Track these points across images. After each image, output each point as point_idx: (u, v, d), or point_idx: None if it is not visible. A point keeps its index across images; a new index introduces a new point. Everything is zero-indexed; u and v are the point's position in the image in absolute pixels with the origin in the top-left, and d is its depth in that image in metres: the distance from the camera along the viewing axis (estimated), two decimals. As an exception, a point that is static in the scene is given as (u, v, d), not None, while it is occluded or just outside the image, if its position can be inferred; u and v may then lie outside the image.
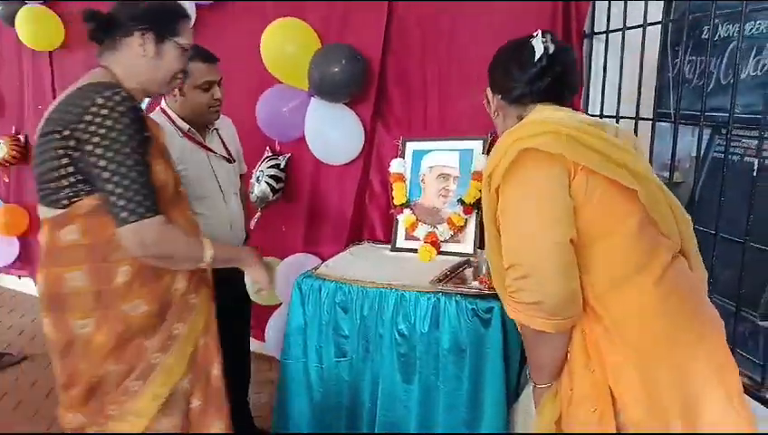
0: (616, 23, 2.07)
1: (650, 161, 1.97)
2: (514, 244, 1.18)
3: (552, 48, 1.28)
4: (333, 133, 2.37)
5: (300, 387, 2.03)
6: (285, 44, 2.30)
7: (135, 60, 1.33)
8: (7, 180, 3.97)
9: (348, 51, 2.25)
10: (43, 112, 3.71)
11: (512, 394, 1.86)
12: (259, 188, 2.52)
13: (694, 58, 2.62)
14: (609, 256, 1.18)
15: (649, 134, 1.95)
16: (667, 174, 3.24)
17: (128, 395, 1.35)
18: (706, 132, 2.03)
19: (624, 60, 2.04)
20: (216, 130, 2.02)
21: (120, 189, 1.22)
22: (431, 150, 2.35)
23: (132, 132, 1.24)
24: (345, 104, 2.38)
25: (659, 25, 1.98)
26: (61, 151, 1.23)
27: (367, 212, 2.54)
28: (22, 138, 3.85)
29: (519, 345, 1.88)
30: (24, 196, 3.96)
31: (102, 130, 1.20)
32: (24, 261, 4.07)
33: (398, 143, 2.40)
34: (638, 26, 1.97)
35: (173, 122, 1.90)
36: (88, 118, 1.21)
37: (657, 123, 1.96)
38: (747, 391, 1.49)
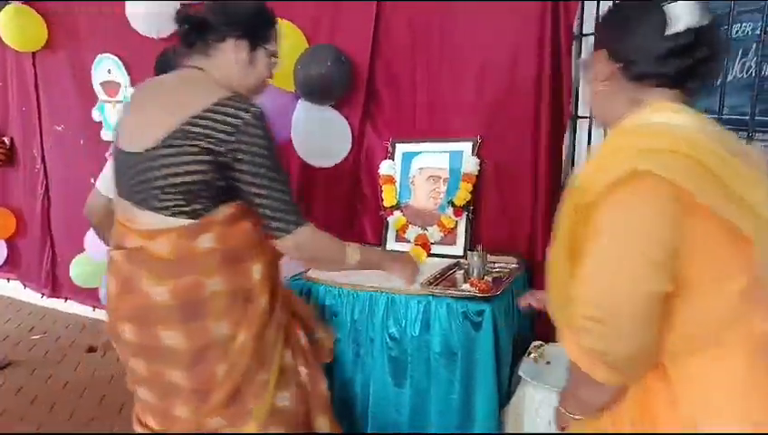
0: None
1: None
2: (599, 281, 0.93)
3: (700, 20, 0.96)
4: (320, 135, 2.35)
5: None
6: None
7: (228, 65, 1.35)
8: (-8, 183, 3.91)
9: (333, 52, 2.24)
10: (27, 115, 3.64)
11: (503, 397, 1.86)
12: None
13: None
14: (698, 314, 0.94)
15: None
16: None
17: (264, 388, 1.38)
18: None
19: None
20: None
21: (276, 204, 1.27)
22: (421, 152, 2.34)
23: (274, 147, 1.28)
24: (332, 106, 2.37)
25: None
26: (206, 166, 1.23)
27: (357, 215, 2.53)
28: (7, 140, 3.79)
29: (510, 348, 1.88)
30: (10, 198, 3.91)
31: (255, 149, 1.22)
32: (12, 264, 4.01)
33: (388, 145, 2.40)
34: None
35: None
36: (239, 137, 1.22)
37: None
38: None
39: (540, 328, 2.24)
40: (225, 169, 1.25)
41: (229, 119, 1.22)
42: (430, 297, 1.84)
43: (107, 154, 1.88)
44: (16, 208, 3.87)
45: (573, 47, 2.26)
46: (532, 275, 2.22)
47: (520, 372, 1.87)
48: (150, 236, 1.28)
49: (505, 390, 1.88)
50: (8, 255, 3.96)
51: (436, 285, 1.91)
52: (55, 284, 3.82)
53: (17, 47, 3.36)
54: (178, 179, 1.24)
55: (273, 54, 1.42)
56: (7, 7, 3.24)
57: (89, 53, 3.16)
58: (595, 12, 2.12)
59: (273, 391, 1.40)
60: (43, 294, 3.89)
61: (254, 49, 1.37)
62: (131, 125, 1.34)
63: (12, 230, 3.89)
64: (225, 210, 1.29)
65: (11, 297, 4.16)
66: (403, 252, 1.97)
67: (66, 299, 3.82)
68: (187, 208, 1.26)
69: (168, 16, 2.65)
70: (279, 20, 2.33)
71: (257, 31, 1.37)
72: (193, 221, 1.27)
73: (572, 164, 2.31)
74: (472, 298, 1.80)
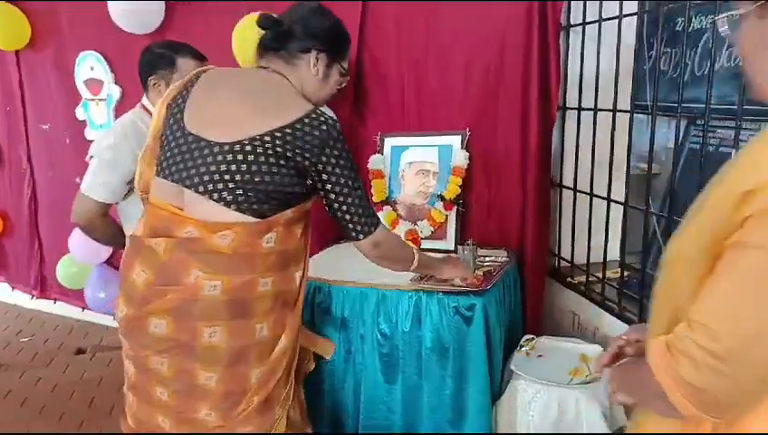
0: (593, 15, 2.06)
1: (628, 153, 1.97)
2: (735, 309, 0.73)
3: None
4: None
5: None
6: (250, 40, 2.24)
7: (307, 76, 1.39)
8: (-24, 184, 3.85)
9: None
10: (12, 114, 3.57)
11: (496, 391, 1.85)
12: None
13: (669, 50, 2.63)
14: None
15: (627, 126, 1.94)
16: (644, 165, 3.26)
17: (286, 398, 1.43)
18: (682, 123, 2.04)
19: (602, 52, 2.03)
20: None
21: (357, 209, 1.36)
22: (410, 146, 2.32)
23: (351, 155, 1.35)
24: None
25: (636, 17, 1.97)
26: (287, 173, 1.27)
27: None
28: (-9, 141, 3.73)
29: (501, 341, 1.87)
30: (-5, 199, 3.85)
31: (339, 161, 1.31)
32: (0, 266, 3.96)
33: (377, 139, 2.38)
34: (614, 18, 1.97)
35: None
36: (328, 150, 1.29)
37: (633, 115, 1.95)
38: None
39: (531, 321, 2.24)
40: (307, 178, 1.31)
41: (317, 132, 1.27)
42: (421, 293, 1.82)
43: (87, 158, 1.83)
44: (2, 210, 3.81)
45: (561, 37, 2.26)
46: (522, 267, 2.22)
47: (511, 366, 1.87)
48: (212, 229, 1.27)
49: (498, 384, 1.88)
50: (-5, 256, 3.91)
51: (427, 280, 1.89)
52: (44, 285, 3.77)
53: (2, 46, 3.30)
54: (257, 178, 1.26)
55: (344, 72, 1.48)
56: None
57: (72, 50, 3.11)
58: (582, 3, 2.12)
59: (290, 401, 1.44)
60: (32, 296, 3.83)
61: (330, 64, 1.42)
62: (208, 112, 1.33)
63: (-2, 232, 3.84)
64: (288, 214, 1.32)
65: (-2, 300, 4.12)
66: (449, 253, 2.03)
67: (55, 300, 3.78)
68: (255, 207, 1.28)
69: (152, 12, 2.69)
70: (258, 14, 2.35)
71: (337, 47, 1.44)
72: (259, 220, 1.29)
73: (562, 156, 2.30)
74: (463, 293, 1.79)
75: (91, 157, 1.81)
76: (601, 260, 2.10)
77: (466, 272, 1.80)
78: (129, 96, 2.98)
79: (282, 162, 1.26)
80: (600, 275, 2.10)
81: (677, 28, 2.62)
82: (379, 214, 2.31)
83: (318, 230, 2.45)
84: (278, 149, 1.26)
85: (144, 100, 1.90)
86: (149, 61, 1.85)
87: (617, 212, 2.06)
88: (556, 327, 2.39)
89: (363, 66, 2.36)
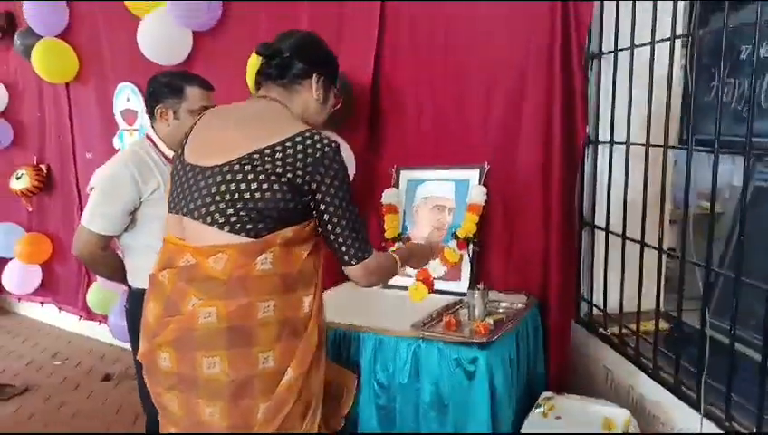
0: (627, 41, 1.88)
1: (662, 193, 1.75)
2: None
3: None
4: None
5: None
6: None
7: (307, 101, 1.43)
8: (30, 209, 4.04)
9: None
10: (62, 143, 3.78)
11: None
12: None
13: (731, 80, 2.41)
14: None
15: (666, 161, 1.72)
16: (704, 203, 2.98)
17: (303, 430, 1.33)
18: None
19: (636, 82, 1.83)
20: None
21: (350, 233, 1.32)
22: (426, 180, 2.20)
23: (349, 180, 1.34)
24: (335, 131, 2.26)
25: (676, 43, 1.76)
26: (286, 188, 1.25)
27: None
28: (44, 167, 3.92)
29: (511, 400, 1.68)
30: (46, 224, 4.02)
31: (337, 183, 1.28)
32: (47, 288, 4.11)
33: (392, 172, 2.27)
34: (647, 44, 1.78)
35: (158, 149, 1.85)
36: (322, 169, 1.27)
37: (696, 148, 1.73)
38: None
39: (554, 375, 2.02)
40: (301, 195, 1.28)
41: (310, 150, 1.26)
42: (420, 341, 1.67)
43: (87, 189, 1.83)
44: (53, 234, 3.97)
45: (592, 67, 2.09)
46: (546, 314, 2.01)
47: (522, 430, 1.66)
48: (207, 253, 1.26)
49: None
50: (43, 279, 4.05)
51: (430, 326, 1.74)
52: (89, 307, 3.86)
53: (51, 79, 3.49)
54: (247, 195, 1.25)
55: (338, 95, 1.53)
56: (42, 41, 3.37)
57: (112, 82, 3.23)
58: (614, 29, 1.95)
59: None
60: (80, 317, 3.93)
61: (328, 88, 1.47)
62: (204, 142, 1.35)
63: (48, 255, 3.99)
64: (285, 233, 1.28)
65: (42, 321, 4.26)
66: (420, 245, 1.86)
67: (100, 322, 3.85)
68: (249, 226, 1.26)
69: (179, 43, 2.74)
70: None
71: (333, 72, 1.49)
72: (254, 240, 1.26)
73: (594, 193, 2.10)
74: (466, 343, 1.62)
75: (92, 188, 1.80)
76: (643, 309, 1.86)
77: (435, 251, 1.80)
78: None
79: (272, 178, 1.25)
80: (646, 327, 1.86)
81: (742, 56, 2.40)
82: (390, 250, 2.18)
83: (329, 265, 2.39)
84: (267, 166, 1.25)
85: (149, 129, 1.88)
86: (156, 90, 1.83)
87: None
88: (588, 382, 2.15)
89: (380, 96, 2.28)
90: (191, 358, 1.25)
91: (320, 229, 1.34)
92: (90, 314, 3.85)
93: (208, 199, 1.26)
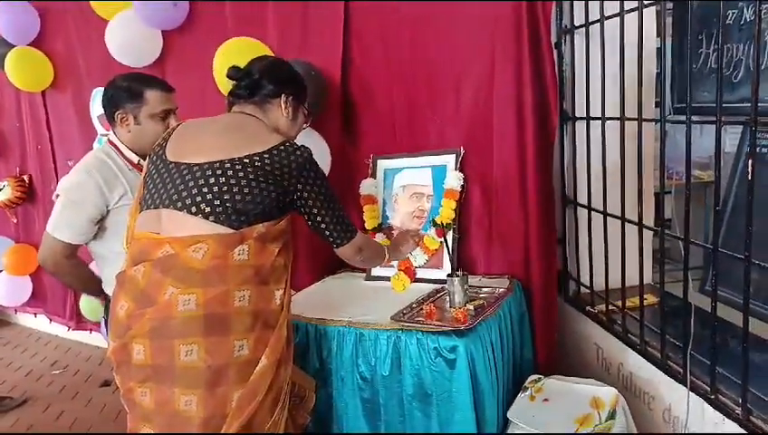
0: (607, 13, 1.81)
1: (639, 167, 1.71)
2: None
3: None
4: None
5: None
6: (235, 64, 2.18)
7: (278, 117, 1.57)
8: (15, 221, 4.01)
9: (301, 67, 2.08)
10: (43, 152, 3.71)
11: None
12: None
13: (718, 45, 2.36)
14: None
15: (641, 134, 1.68)
16: (698, 172, 2.94)
17: (275, 427, 1.39)
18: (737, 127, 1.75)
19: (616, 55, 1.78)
20: None
21: (336, 219, 1.53)
22: (403, 168, 2.16)
23: (326, 176, 1.53)
24: (309, 125, 2.22)
25: (649, 14, 1.69)
26: (272, 187, 1.38)
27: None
28: (26, 178, 3.88)
29: (494, 386, 1.66)
30: (33, 235, 3.99)
31: (318, 181, 1.47)
32: (38, 299, 4.09)
33: (369, 162, 2.23)
34: (615, 15, 1.74)
35: (122, 154, 1.81)
36: (306, 173, 1.44)
37: (670, 119, 1.69)
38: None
39: (543, 358, 2.00)
40: (287, 197, 1.43)
41: (293, 156, 1.42)
42: (400, 332, 1.65)
43: (53, 196, 1.80)
44: (37, 244, 3.93)
45: (566, 41, 2.05)
46: (531, 296, 1.99)
47: (509, 414, 1.65)
48: (187, 243, 1.33)
49: (495, 432, 1.66)
50: (34, 289, 4.04)
51: (410, 316, 1.71)
52: (80, 317, 3.84)
53: (25, 88, 3.44)
54: (236, 189, 1.35)
55: (306, 114, 1.69)
56: (14, 50, 3.32)
57: (87, 88, 3.18)
58: (584, 2, 1.90)
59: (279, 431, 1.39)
60: (69, 328, 3.93)
61: (297, 107, 1.62)
62: (187, 144, 1.45)
63: (36, 266, 3.97)
64: (260, 228, 1.37)
65: (39, 330, 4.26)
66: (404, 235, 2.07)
67: (90, 331, 3.84)
68: (233, 217, 1.35)
69: (149, 45, 2.69)
70: (239, 39, 2.29)
71: (301, 92, 1.64)
72: (234, 231, 1.34)
73: (574, 169, 2.07)
74: (443, 332, 1.60)
75: (57, 195, 1.77)
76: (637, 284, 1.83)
77: (413, 242, 2.02)
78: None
79: (261, 179, 1.37)
80: (635, 302, 1.84)
81: (729, 21, 2.34)
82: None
83: (312, 260, 2.37)
84: (257, 164, 1.37)
85: (111, 135, 1.85)
86: (115, 95, 1.79)
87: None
88: (579, 361, 2.14)
89: (350, 87, 2.23)
90: (168, 346, 1.28)
91: (309, 222, 1.52)
92: (79, 324, 3.83)
93: (194, 191, 1.35)
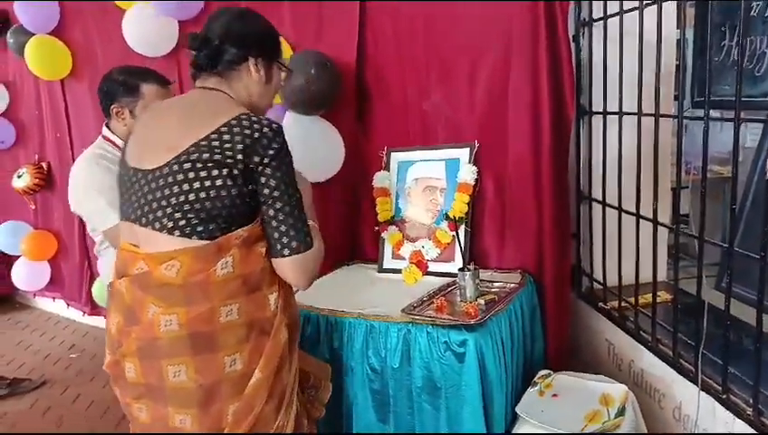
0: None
1: (655, 162, 1.69)
2: None
3: None
4: (312, 148, 2.21)
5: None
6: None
7: (249, 84, 1.35)
8: (34, 207, 4.08)
9: (317, 58, 2.10)
10: (62, 140, 3.76)
11: (500, 435, 1.65)
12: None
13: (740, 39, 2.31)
14: None
15: (658, 130, 1.66)
16: (716, 168, 2.90)
17: (283, 430, 1.30)
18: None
19: (628, 49, 1.75)
20: None
21: (285, 219, 1.23)
22: (416, 161, 2.16)
23: (292, 164, 1.25)
24: (322, 116, 2.23)
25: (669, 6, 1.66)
26: (222, 181, 1.18)
27: (358, 229, 2.37)
28: (44, 166, 3.94)
29: (503, 380, 1.66)
30: (51, 221, 4.06)
31: (275, 163, 1.21)
32: (56, 284, 4.17)
33: (383, 154, 2.23)
34: (634, 9, 1.71)
35: (118, 148, 1.80)
36: (261, 150, 1.19)
37: (688, 116, 1.66)
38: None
39: (553, 353, 2.00)
40: (244, 184, 1.20)
41: (247, 132, 1.19)
42: (410, 325, 1.65)
43: (72, 209, 1.83)
44: (57, 231, 4.01)
45: (584, 34, 2.02)
46: (543, 291, 1.98)
47: (517, 409, 1.65)
48: (159, 260, 1.20)
49: (502, 427, 1.66)
50: (52, 275, 4.12)
51: (421, 309, 1.72)
52: (93, 303, 3.92)
53: (44, 76, 3.48)
54: (192, 196, 1.18)
55: (283, 67, 1.43)
56: (33, 38, 3.36)
57: (105, 77, 3.21)
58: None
59: None
60: (84, 313, 4.01)
61: (270, 66, 1.37)
62: (143, 143, 1.29)
63: (53, 251, 4.05)
64: (242, 233, 1.22)
65: (58, 314, 4.34)
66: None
67: (105, 316, 3.91)
68: (200, 228, 1.20)
69: (165, 35, 2.71)
70: None
71: (272, 47, 1.39)
72: (209, 242, 1.20)
73: (590, 164, 2.05)
74: (454, 326, 1.60)
75: (74, 210, 1.80)
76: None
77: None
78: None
79: (213, 172, 1.18)
80: (648, 299, 1.82)
81: (753, 14, 2.29)
82: (384, 234, 2.16)
83: (325, 250, 2.38)
84: (204, 157, 1.18)
85: (105, 130, 1.84)
86: (111, 89, 1.77)
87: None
88: (591, 356, 2.13)
89: (365, 79, 2.23)
90: (157, 367, 1.21)
91: (262, 217, 1.25)
92: (94, 310, 3.90)
93: (155, 205, 1.21)
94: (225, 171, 1.18)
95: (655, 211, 1.71)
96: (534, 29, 1.82)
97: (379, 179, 2.19)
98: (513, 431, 1.64)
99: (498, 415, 1.62)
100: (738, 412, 1.43)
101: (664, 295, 1.90)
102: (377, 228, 2.19)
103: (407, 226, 2.16)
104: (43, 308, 4.53)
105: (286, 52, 2.22)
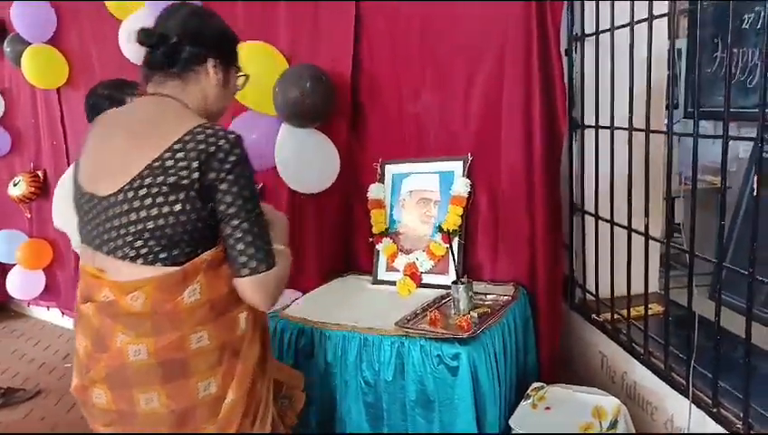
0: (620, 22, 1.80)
1: (646, 174, 1.71)
2: None
3: None
4: (307, 160, 2.23)
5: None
6: (248, 69, 2.18)
7: (206, 88, 1.27)
8: (29, 216, 4.07)
9: (312, 71, 2.12)
10: (58, 148, 3.76)
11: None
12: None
13: (734, 50, 2.34)
14: None
15: (649, 145, 1.68)
16: (710, 178, 2.92)
17: None
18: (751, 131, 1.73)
19: (621, 64, 1.77)
20: None
21: (245, 236, 1.16)
22: (411, 173, 2.18)
23: (253, 176, 1.20)
24: (317, 128, 2.24)
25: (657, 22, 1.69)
26: (181, 204, 1.13)
27: (352, 241, 2.39)
28: (40, 174, 3.94)
29: (496, 393, 1.67)
30: (46, 230, 4.05)
31: (231, 177, 1.14)
32: (51, 292, 4.16)
33: (377, 166, 2.25)
34: (626, 25, 1.73)
35: None
36: (216, 164, 1.13)
37: (677, 132, 1.68)
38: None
39: (546, 365, 2.01)
40: (203, 205, 1.15)
41: (202, 146, 1.13)
42: (404, 338, 1.66)
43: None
44: (52, 239, 4.01)
45: (577, 49, 2.04)
46: (536, 303, 1.99)
47: (510, 422, 1.66)
48: (124, 290, 1.16)
49: (496, 441, 1.67)
50: (47, 283, 4.11)
51: (414, 322, 1.73)
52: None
53: (41, 85, 3.49)
54: (151, 224, 1.13)
55: (240, 72, 1.37)
56: (30, 48, 3.37)
57: (101, 86, 3.22)
58: (595, 10, 1.90)
59: None
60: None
61: (228, 69, 1.31)
62: (96, 165, 1.22)
63: (49, 260, 4.04)
64: (207, 257, 1.17)
65: (53, 323, 4.33)
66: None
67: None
68: (164, 255, 1.15)
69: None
70: (249, 42, 2.30)
71: (231, 49, 1.33)
72: (174, 269, 1.15)
73: (582, 177, 2.07)
74: (447, 340, 1.61)
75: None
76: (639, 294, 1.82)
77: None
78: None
79: (171, 197, 1.13)
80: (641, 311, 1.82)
81: (745, 26, 2.32)
82: (379, 246, 2.18)
83: (320, 262, 2.39)
84: (159, 179, 1.12)
85: None
86: (97, 103, 1.77)
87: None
88: (585, 368, 2.14)
89: (359, 92, 2.25)
90: (128, 395, 1.18)
91: (221, 234, 1.19)
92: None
93: (113, 233, 1.16)
94: (182, 195, 1.13)
95: (646, 226, 1.73)
96: (527, 44, 1.85)
97: (374, 191, 2.20)
98: (506, 444, 1.64)
99: (491, 428, 1.63)
100: (728, 426, 1.44)
101: (656, 308, 1.92)
102: (371, 240, 2.20)
103: (401, 238, 2.17)
104: (37, 317, 4.52)
105: (281, 65, 2.25)
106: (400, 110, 2.20)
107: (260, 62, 2.21)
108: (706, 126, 2.30)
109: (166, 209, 1.13)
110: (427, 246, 2.05)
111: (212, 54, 1.26)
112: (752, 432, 1.38)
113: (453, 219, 1.99)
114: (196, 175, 1.12)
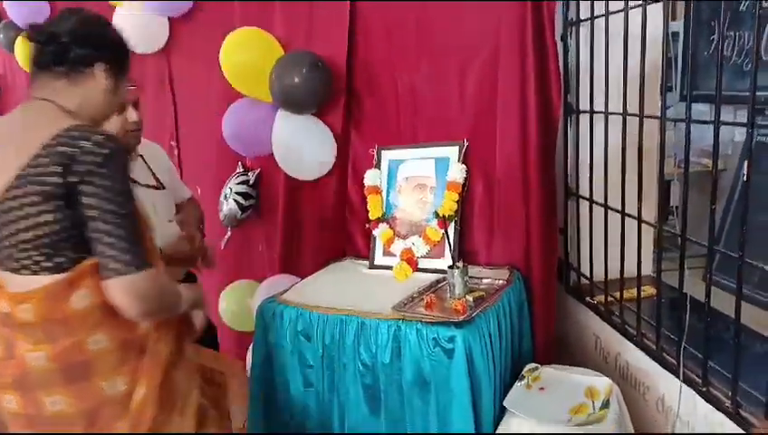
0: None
1: (639, 159, 1.72)
2: None
3: None
4: (303, 147, 2.24)
5: (269, 418, 1.93)
6: (244, 55, 2.20)
7: (93, 93, 1.25)
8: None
9: (308, 57, 2.12)
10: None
11: (488, 429, 1.69)
12: (227, 206, 2.44)
13: (731, 33, 2.34)
14: None
15: (642, 130, 1.69)
16: (705, 161, 2.94)
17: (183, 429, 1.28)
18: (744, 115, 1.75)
19: (615, 49, 1.78)
20: (142, 156, 1.84)
21: (114, 237, 1.13)
22: (407, 159, 2.19)
23: (122, 176, 1.16)
24: (313, 114, 2.25)
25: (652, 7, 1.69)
26: (59, 215, 1.12)
27: (349, 226, 2.40)
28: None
29: (492, 375, 1.70)
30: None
31: (94, 178, 1.11)
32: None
33: (373, 152, 2.26)
34: (620, 11, 1.74)
35: None
36: (78, 167, 1.10)
37: (670, 118, 1.69)
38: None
39: (541, 347, 2.04)
40: (71, 209, 1.12)
41: (62, 149, 1.11)
42: (400, 322, 1.69)
43: None
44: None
45: (572, 34, 2.05)
46: (531, 286, 2.02)
47: (505, 402, 1.70)
48: (15, 301, 1.16)
49: (490, 421, 1.70)
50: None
51: (411, 306, 1.75)
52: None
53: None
54: (30, 234, 1.12)
55: (132, 84, 1.38)
56: (22, 34, 3.35)
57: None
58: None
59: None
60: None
61: (117, 76, 1.29)
62: None
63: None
64: (91, 261, 1.15)
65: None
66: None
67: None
68: (48, 264, 1.14)
69: (155, 31, 2.71)
70: (246, 29, 2.30)
71: (123, 57, 1.31)
72: (59, 276, 1.14)
73: (577, 162, 2.08)
74: (443, 323, 1.64)
75: None
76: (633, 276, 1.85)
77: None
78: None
79: (42, 207, 1.11)
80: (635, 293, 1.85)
81: (742, 8, 2.32)
82: (375, 232, 2.19)
83: (316, 247, 2.41)
84: (29, 188, 1.11)
85: None
86: None
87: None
88: (579, 350, 2.18)
89: (355, 78, 2.25)
90: (34, 398, 1.19)
91: (90, 241, 1.14)
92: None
93: (11, 245, 1.15)
94: (51, 205, 1.11)
95: (639, 211, 1.75)
96: (522, 30, 1.85)
97: (370, 177, 2.21)
98: (501, 424, 1.68)
99: (486, 409, 1.66)
100: (718, 404, 1.48)
101: (649, 290, 1.95)
102: (368, 226, 2.22)
103: (397, 223, 2.19)
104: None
105: (277, 52, 2.25)
106: (396, 96, 2.20)
107: (256, 49, 2.22)
108: (704, 109, 2.30)
109: (40, 220, 1.11)
110: (424, 232, 2.07)
111: (103, 59, 1.24)
112: (740, 410, 1.41)
113: (449, 205, 2.01)
114: (59, 180, 1.10)
